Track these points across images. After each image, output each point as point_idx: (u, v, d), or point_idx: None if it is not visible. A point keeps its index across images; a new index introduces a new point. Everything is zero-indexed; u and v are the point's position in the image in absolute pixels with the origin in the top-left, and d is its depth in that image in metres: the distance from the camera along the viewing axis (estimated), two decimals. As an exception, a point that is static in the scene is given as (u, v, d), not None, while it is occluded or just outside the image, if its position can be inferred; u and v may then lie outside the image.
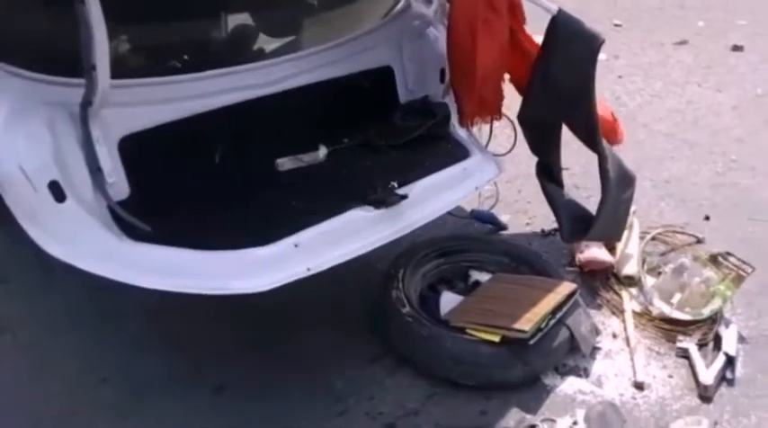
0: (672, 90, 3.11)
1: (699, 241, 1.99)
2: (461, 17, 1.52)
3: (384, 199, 1.38)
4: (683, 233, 2.03)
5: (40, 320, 1.65)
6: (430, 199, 1.48)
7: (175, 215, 1.30)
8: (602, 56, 3.64)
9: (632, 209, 2.13)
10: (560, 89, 1.60)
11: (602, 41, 1.55)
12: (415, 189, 1.45)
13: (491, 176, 1.65)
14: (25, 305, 1.72)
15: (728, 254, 1.83)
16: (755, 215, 2.14)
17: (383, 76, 1.79)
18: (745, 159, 2.49)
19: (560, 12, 1.55)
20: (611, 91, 3.08)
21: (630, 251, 1.87)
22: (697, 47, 3.61)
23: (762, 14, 4.10)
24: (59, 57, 1.19)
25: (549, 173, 1.80)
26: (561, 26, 1.55)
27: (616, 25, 3.96)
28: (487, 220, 2.09)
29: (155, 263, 1.20)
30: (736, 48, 3.56)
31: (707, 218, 2.13)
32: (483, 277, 1.72)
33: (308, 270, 1.23)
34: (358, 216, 1.36)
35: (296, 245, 1.25)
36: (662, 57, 3.49)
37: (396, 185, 1.43)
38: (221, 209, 1.34)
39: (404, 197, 1.40)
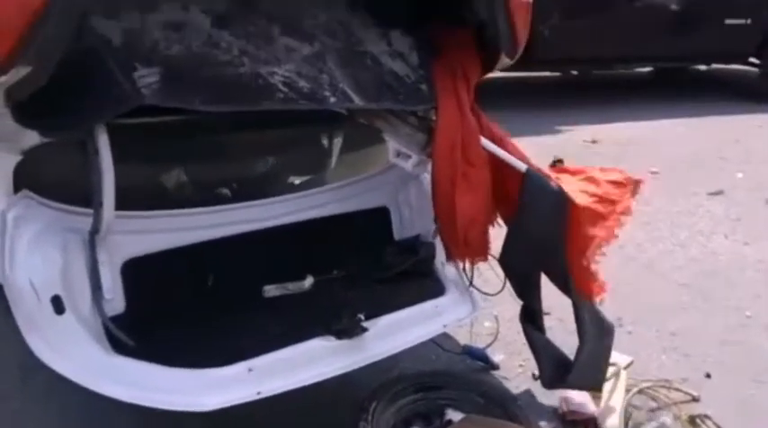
0: (697, 240, 3.14)
1: (694, 399, 1.97)
2: (441, 171, 1.69)
3: (347, 330, 1.50)
4: (678, 389, 2.02)
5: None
6: (394, 333, 1.59)
7: (160, 332, 1.47)
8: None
9: (628, 360, 2.15)
10: (533, 241, 1.72)
11: (568, 198, 1.68)
12: (381, 322, 1.57)
13: (462, 316, 1.75)
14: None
15: (706, 416, 1.81)
16: (761, 376, 2.10)
17: (379, 215, 1.98)
18: (761, 317, 2.46)
19: (528, 170, 1.71)
20: (633, 237, 3.14)
21: (614, 403, 1.88)
22: (731, 198, 3.65)
23: (805, 169, 4.13)
24: (77, 191, 1.43)
25: (531, 318, 1.89)
26: (529, 183, 1.70)
27: (653, 172, 4.07)
28: (479, 358, 2.15)
29: (129, 376, 1.35)
30: (771, 201, 3.59)
31: (708, 375, 2.11)
32: (457, 416, 1.77)
33: (259, 394, 1.35)
34: (318, 345, 1.48)
35: (250, 369, 1.38)
36: (693, 207, 3.55)
37: (362, 317, 1.56)
38: (201, 330, 1.50)
39: (366, 329, 1.52)
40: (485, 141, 1.73)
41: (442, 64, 1.80)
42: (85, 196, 1.40)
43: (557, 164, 4.28)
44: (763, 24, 5.51)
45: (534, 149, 4.41)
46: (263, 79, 1.47)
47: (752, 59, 5.86)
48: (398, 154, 1.76)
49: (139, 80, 1.28)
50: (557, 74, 6.67)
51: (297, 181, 2.05)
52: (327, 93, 1.54)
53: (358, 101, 1.58)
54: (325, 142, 2.13)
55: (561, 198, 1.68)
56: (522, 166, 1.71)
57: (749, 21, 5.48)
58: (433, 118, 1.78)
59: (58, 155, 1.43)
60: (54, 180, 1.44)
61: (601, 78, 6.94)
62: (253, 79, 1.45)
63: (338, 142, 2.13)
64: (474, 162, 1.74)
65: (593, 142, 4.65)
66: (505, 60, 1.78)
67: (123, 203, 1.43)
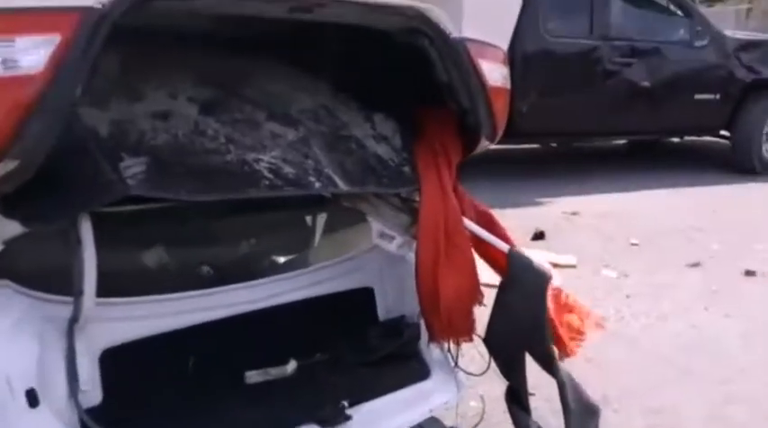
0: (678, 313, 3.17)
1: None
2: (424, 252, 1.71)
3: (330, 418, 1.48)
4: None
5: None
6: (379, 421, 1.57)
7: (138, 423, 1.43)
8: (612, 274, 3.81)
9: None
10: (516, 320, 1.74)
11: (550, 278, 1.71)
12: (365, 409, 1.56)
13: (449, 399, 1.74)
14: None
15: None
16: (747, 454, 2.09)
17: (364, 296, 1.98)
18: (746, 392, 2.47)
19: (511, 251, 1.74)
20: (617, 310, 3.17)
21: (603, 485, 1.85)
22: (709, 270, 3.71)
23: (779, 240, 4.23)
24: (57, 279, 1.43)
25: (517, 398, 1.87)
26: (512, 263, 1.73)
27: (633, 244, 4.15)
28: (464, 441, 2.11)
29: None
30: (749, 273, 3.64)
31: (695, 454, 2.09)
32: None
33: None
34: (301, 433, 1.46)
35: None
36: (673, 279, 3.60)
37: (346, 404, 1.54)
38: (180, 420, 1.47)
39: (349, 417, 1.50)
40: (467, 222, 1.77)
41: (425, 146, 1.85)
42: (66, 283, 1.39)
43: (538, 236, 4.36)
44: (731, 99, 5.75)
45: (515, 221, 4.52)
46: (249, 166, 1.50)
47: (723, 132, 6.08)
48: (382, 235, 1.79)
49: (126, 171, 1.30)
50: (536, 146, 6.85)
51: (280, 262, 2.06)
52: (312, 179, 1.57)
53: (342, 185, 1.62)
54: (308, 223, 2.15)
55: (544, 277, 1.70)
56: (505, 247, 1.74)
57: (718, 96, 5.72)
58: (417, 199, 1.82)
59: (39, 243, 1.43)
60: (34, 268, 1.44)
61: (579, 150, 7.15)
62: (239, 167, 1.48)
63: (321, 222, 2.16)
64: (457, 243, 1.76)
65: (573, 214, 4.74)
66: (485, 143, 1.84)
67: (103, 289, 1.42)
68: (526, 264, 1.73)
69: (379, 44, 1.82)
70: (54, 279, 1.41)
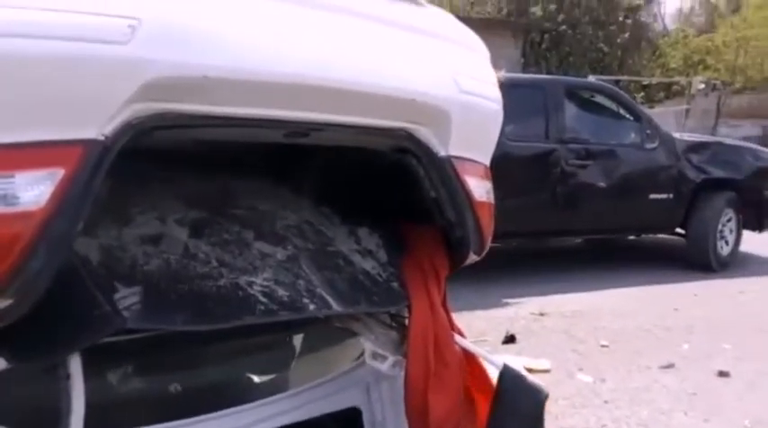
0: (657, 418, 3.17)
1: None
2: (414, 371, 1.70)
3: None
4: None
5: None
6: None
7: None
8: (588, 378, 3.80)
9: None
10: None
11: (547, 395, 1.70)
12: None
13: None
14: None
15: None
16: None
17: (351, 417, 1.92)
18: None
19: (505, 367, 1.74)
20: (598, 417, 3.14)
21: None
22: (683, 371, 3.76)
23: (745, 338, 4.34)
24: (41, 416, 1.34)
25: None
26: (506, 381, 1.72)
27: (603, 346, 4.19)
28: None
29: None
30: (723, 374, 3.70)
31: None
32: None
33: None
34: None
35: None
36: (648, 382, 3.62)
37: None
38: None
39: None
40: (458, 338, 1.77)
41: (412, 261, 1.87)
42: (51, 421, 1.31)
43: (510, 340, 4.36)
44: (684, 198, 6.05)
45: (485, 324, 4.52)
46: (243, 291, 1.48)
47: (679, 230, 6.34)
48: (374, 355, 1.76)
49: (120, 302, 1.26)
50: (498, 245, 6.98)
51: (265, 385, 1.99)
52: (306, 301, 1.56)
53: (336, 306, 1.61)
54: (290, 342, 2.11)
55: (541, 396, 1.70)
56: (499, 362, 1.74)
57: (671, 195, 6.02)
58: (406, 315, 1.81)
59: (24, 378, 1.36)
60: (17, 405, 1.35)
61: (541, 249, 7.32)
62: (233, 292, 1.46)
63: (303, 342, 2.12)
64: (447, 361, 1.76)
65: (542, 315, 4.78)
66: (473, 257, 1.88)
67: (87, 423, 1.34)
68: (521, 382, 1.73)
69: (363, 160, 1.87)
70: (39, 415, 1.33)
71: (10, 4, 1.07)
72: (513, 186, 5.42)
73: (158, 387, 1.80)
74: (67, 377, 1.26)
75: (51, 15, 1.09)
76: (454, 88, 1.65)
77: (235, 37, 1.27)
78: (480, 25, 13.68)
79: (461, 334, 1.90)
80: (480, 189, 1.85)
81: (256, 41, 1.30)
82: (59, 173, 1.11)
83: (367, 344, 1.76)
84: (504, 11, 17.88)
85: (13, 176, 1.08)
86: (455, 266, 1.90)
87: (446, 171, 1.73)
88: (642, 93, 18.07)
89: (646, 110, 7.73)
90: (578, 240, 7.56)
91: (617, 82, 16.15)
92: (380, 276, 1.83)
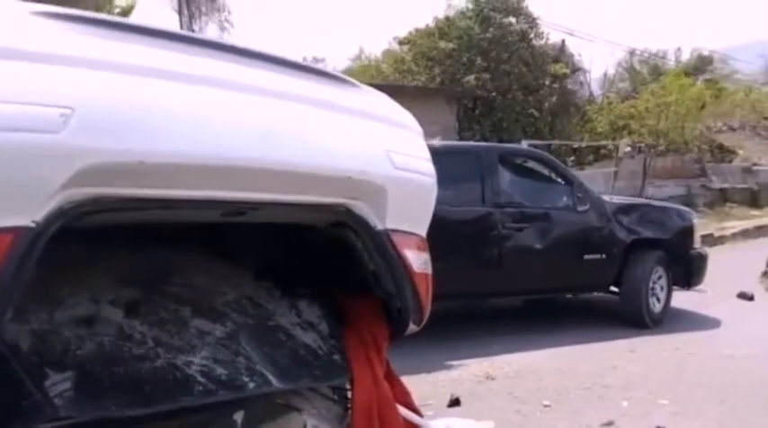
0: (602, 479, 3.21)
1: None
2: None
3: None
4: None
5: None
6: None
7: None
8: (532, 445, 3.79)
9: None
10: None
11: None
12: None
13: None
14: None
15: None
16: None
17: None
18: None
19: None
20: (543, 482, 3.16)
21: None
22: (623, 428, 3.84)
23: (682, 394, 4.47)
24: None
25: None
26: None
27: (545, 406, 4.23)
28: None
29: None
30: (661, 430, 3.80)
31: None
32: None
33: None
34: None
35: None
36: (590, 442, 3.67)
37: None
38: None
39: None
40: (402, 410, 1.78)
41: (353, 332, 1.90)
42: None
43: (455, 403, 4.36)
44: (615, 258, 6.29)
45: (429, 388, 4.51)
46: (181, 371, 1.47)
47: (613, 288, 6.56)
48: (317, 430, 1.75)
49: (51, 389, 1.23)
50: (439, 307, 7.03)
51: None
52: (246, 379, 1.55)
53: (276, 383, 1.61)
54: (235, 420, 2.06)
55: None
56: (442, 427, 1.75)
57: (604, 255, 6.25)
58: (348, 387, 1.82)
59: None
60: None
61: (484, 310, 7.40)
62: (170, 372, 1.45)
63: (249, 419, 2.08)
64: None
65: (487, 378, 4.81)
66: (413, 327, 1.91)
67: None
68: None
69: (301, 234, 1.90)
70: None
71: None
72: (451, 249, 5.54)
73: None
74: None
75: None
76: (389, 165, 1.73)
77: (170, 122, 1.31)
78: (415, 93, 14.19)
79: (406, 402, 1.92)
80: (418, 260, 1.91)
81: (192, 126, 1.34)
82: None
83: (310, 420, 1.74)
84: (438, 79, 18.55)
85: None
86: (395, 336, 1.94)
87: (383, 244, 1.78)
88: (573, 157, 18.89)
89: (576, 173, 8.09)
90: (518, 300, 7.70)
91: (548, 146, 16.87)
92: (322, 349, 1.84)
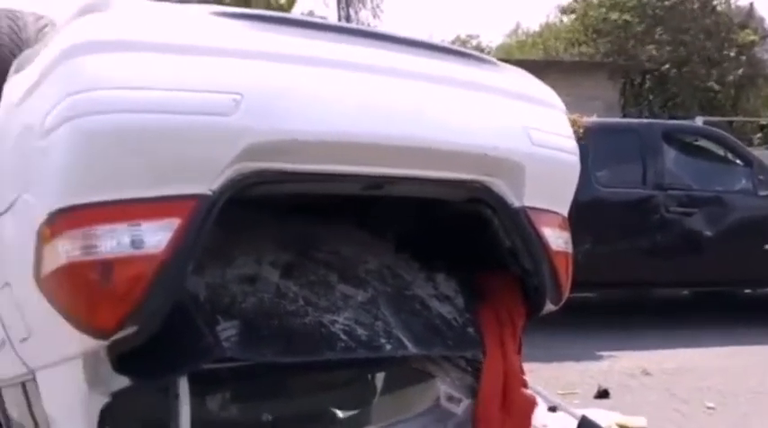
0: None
1: None
2: (481, 420, 1.79)
3: None
4: None
5: None
6: None
7: None
8: (692, 444, 3.65)
9: None
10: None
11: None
12: None
13: None
14: None
15: None
16: None
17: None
18: None
19: (584, 418, 1.81)
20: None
21: None
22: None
23: None
24: None
25: None
26: (583, 431, 1.79)
27: (709, 408, 4.03)
28: None
29: None
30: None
31: None
32: None
33: None
34: None
35: None
36: (759, 450, 3.46)
37: None
38: None
39: None
40: (533, 387, 1.85)
41: (488, 308, 1.99)
42: None
43: (602, 394, 4.30)
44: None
45: (575, 376, 4.46)
46: (326, 328, 1.67)
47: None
48: (450, 398, 1.88)
49: (222, 333, 1.49)
50: (592, 295, 6.86)
51: (347, 420, 2.14)
52: (383, 341, 1.72)
53: (411, 348, 1.75)
54: (375, 382, 2.26)
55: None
56: (578, 413, 1.81)
57: (791, 246, 5.72)
58: (481, 360, 1.92)
59: (140, 397, 1.60)
60: (134, 420, 1.59)
61: (639, 300, 7.11)
62: (317, 329, 1.66)
63: (389, 381, 2.26)
64: (513, 411, 1.84)
65: (641, 372, 4.67)
66: (550, 306, 1.97)
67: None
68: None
69: (441, 209, 2.02)
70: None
71: (142, 87, 1.38)
72: (607, 233, 5.39)
73: (252, 414, 2.00)
74: (176, 397, 1.49)
75: (172, 94, 1.40)
76: (527, 142, 1.79)
77: (320, 105, 1.53)
78: (575, 68, 13.66)
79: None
80: (557, 238, 1.95)
81: (339, 107, 1.55)
82: (176, 222, 1.39)
83: (442, 387, 1.88)
84: (603, 52, 17.71)
85: (140, 225, 1.37)
86: (531, 315, 2.00)
87: (520, 221, 1.85)
88: (759, 134, 17.23)
89: (762, 153, 7.43)
90: (685, 292, 7.29)
91: (730, 123, 15.52)
92: (456, 321, 1.95)
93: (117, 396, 1.56)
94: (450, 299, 2.03)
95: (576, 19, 19.33)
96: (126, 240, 1.37)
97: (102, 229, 1.37)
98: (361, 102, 1.58)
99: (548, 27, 22.62)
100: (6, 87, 1.75)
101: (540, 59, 16.50)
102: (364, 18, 20.24)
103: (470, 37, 25.50)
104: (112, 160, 1.37)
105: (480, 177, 1.78)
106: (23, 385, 2.14)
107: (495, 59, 1.98)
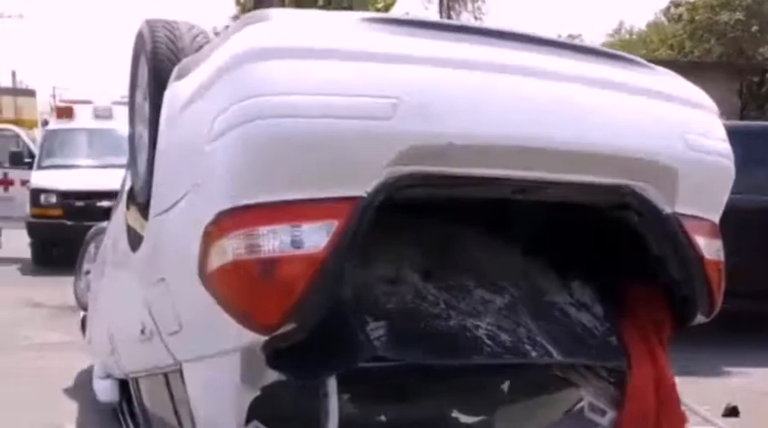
0: None
1: None
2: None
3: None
4: None
5: None
6: None
7: None
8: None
9: None
10: None
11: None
12: None
13: None
14: None
15: None
16: None
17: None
18: None
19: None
20: None
21: None
22: None
23: None
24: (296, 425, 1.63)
25: None
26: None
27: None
28: None
29: None
30: None
31: None
32: None
33: None
34: None
35: None
36: None
37: None
38: None
39: None
40: (692, 405, 1.77)
41: (631, 317, 1.93)
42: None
43: (731, 412, 4.07)
44: None
45: (700, 392, 4.22)
46: (470, 332, 1.67)
47: None
48: (593, 408, 1.84)
49: (371, 333, 1.52)
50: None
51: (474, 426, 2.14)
52: (528, 347, 1.70)
53: (556, 355, 1.73)
54: (503, 389, 2.24)
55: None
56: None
57: None
58: (624, 372, 1.86)
59: (287, 392, 1.66)
60: (281, 414, 1.66)
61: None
62: (461, 332, 1.67)
63: (516, 389, 2.24)
64: (672, 425, 1.77)
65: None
66: (701, 318, 1.89)
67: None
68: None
69: (579, 215, 1.98)
70: (295, 425, 1.61)
71: (306, 92, 1.44)
72: (739, 242, 5.08)
73: (374, 414, 2.03)
74: (325, 395, 1.53)
75: (334, 99, 1.46)
76: (683, 146, 1.73)
77: (476, 108, 1.54)
78: (688, 68, 13.01)
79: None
80: (709, 246, 1.87)
81: (495, 110, 1.56)
82: (334, 223, 1.44)
83: (586, 397, 1.83)
84: (716, 53, 16.81)
85: (300, 226, 1.43)
86: (680, 326, 1.92)
87: (672, 228, 1.78)
88: None
89: None
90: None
91: None
92: (597, 329, 1.91)
93: (265, 390, 1.63)
94: (588, 307, 1.98)
95: (683, 21, 18.54)
96: (287, 240, 1.44)
97: (265, 229, 1.44)
98: (516, 105, 1.58)
99: (655, 26, 21.74)
100: (168, 93, 1.86)
101: (652, 59, 15.85)
102: (465, 20, 20.18)
103: (572, 36, 24.89)
104: (278, 163, 1.44)
105: (631, 182, 1.73)
106: (165, 376, 2.27)
107: (645, 61, 1.92)
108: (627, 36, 25.15)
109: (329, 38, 1.55)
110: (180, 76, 1.83)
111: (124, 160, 9.31)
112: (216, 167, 1.50)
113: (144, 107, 2.16)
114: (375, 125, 1.45)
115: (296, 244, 1.42)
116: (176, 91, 1.81)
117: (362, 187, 1.46)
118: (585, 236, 2.07)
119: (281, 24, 1.57)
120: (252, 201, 1.44)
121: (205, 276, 1.52)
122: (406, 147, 1.46)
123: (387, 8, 15.21)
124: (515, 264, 2.04)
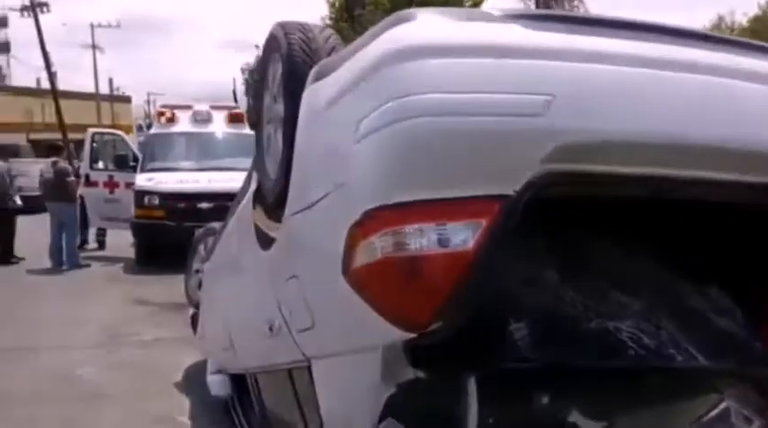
0: None
1: None
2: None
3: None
4: None
5: None
6: None
7: None
8: None
9: None
10: None
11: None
12: None
13: None
14: None
15: None
16: None
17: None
18: None
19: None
20: None
21: None
22: None
23: None
24: (431, 424, 1.64)
25: None
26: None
27: None
28: None
29: None
30: None
31: None
32: None
33: None
34: None
35: None
36: None
37: None
38: None
39: None
40: None
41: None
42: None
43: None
44: None
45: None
46: (613, 335, 1.65)
47: None
48: (739, 416, 1.77)
49: (514, 334, 1.52)
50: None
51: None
52: (672, 351, 1.67)
53: (702, 360, 1.68)
54: (633, 393, 2.19)
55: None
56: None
57: None
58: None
59: (421, 389, 1.67)
60: (415, 413, 1.67)
61: None
62: (603, 334, 1.64)
63: (644, 394, 2.18)
64: None
65: None
66: None
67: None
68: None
69: (714, 218, 1.91)
70: (429, 423, 1.62)
71: (458, 90, 1.45)
72: None
73: (529, 415, 2.02)
74: (466, 394, 1.54)
75: (486, 96, 1.45)
76: None
77: (630, 104, 1.50)
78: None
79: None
80: None
81: (650, 107, 1.51)
82: (482, 221, 1.44)
83: (732, 403, 1.77)
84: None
85: (445, 225, 1.44)
86: None
87: None
88: None
89: None
90: None
91: None
92: (739, 335, 1.85)
93: (401, 387, 1.64)
94: (728, 313, 1.92)
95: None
96: (434, 238, 1.44)
97: (411, 228, 1.45)
98: (672, 102, 1.53)
99: (760, 20, 20.66)
100: (306, 94, 1.91)
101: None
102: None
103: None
104: (427, 162, 1.45)
105: None
106: (289, 372, 2.32)
107: None
108: (727, 30, 23.97)
109: (479, 35, 1.55)
110: (319, 77, 1.87)
111: (222, 163, 9.61)
112: (364, 165, 1.51)
113: (274, 108, 2.23)
114: (529, 122, 1.44)
115: (442, 242, 1.42)
116: (316, 92, 1.84)
117: (511, 185, 1.45)
118: (721, 240, 2.00)
119: (429, 23, 1.58)
120: (399, 200, 1.45)
121: (350, 274, 1.53)
122: (559, 145, 1.44)
123: (475, 5, 15.05)
124: (649, 269, 2.00)
